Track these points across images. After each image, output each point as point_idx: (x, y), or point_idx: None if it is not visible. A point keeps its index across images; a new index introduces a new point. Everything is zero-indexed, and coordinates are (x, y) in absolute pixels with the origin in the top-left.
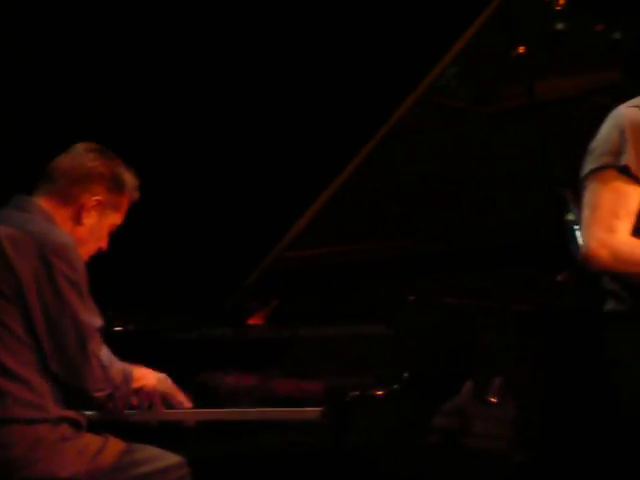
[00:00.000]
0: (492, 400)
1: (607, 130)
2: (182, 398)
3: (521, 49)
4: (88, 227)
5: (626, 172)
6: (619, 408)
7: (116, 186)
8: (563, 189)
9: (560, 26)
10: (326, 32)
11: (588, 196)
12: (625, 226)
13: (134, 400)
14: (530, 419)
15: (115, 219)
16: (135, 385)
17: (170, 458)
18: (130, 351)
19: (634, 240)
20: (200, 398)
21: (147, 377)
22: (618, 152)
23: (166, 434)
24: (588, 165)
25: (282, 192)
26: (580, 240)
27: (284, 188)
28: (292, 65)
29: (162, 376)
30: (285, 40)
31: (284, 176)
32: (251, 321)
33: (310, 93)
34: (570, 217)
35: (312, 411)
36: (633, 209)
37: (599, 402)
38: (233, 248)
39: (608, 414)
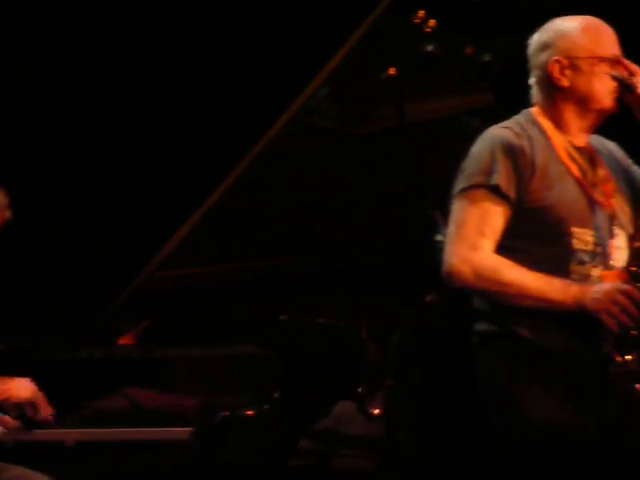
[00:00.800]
0: (373, 413)
1: (478, 150)
2: (46, 404)
3: (392, 71)
4: None
5: (496, 191)
6: (490, 426)
7: None
8: (433, 210)
9: (430, 48)
10: (196, 53)
11: (455, 213)
12: (489, 244)
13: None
14: (400, 439)
15: None
16: (0, 398)
17: (38, 478)
18: None
19: (497, 258)
20: (69, 418)
21: (12, 388)
22: (489, 172)
23: (35, 454)
24: (459, 184)
25: (153, 211)
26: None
27: (155, 208)
28: (156, 85)
29: (25, 382)
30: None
31: (156, 195)
32: (122, 341)
33: (180, 113)
34: (440, 238)
35: (183, 431)
36: (499, 228)
37: (470, 421)
38: (103, 268)
39: (479, 432)
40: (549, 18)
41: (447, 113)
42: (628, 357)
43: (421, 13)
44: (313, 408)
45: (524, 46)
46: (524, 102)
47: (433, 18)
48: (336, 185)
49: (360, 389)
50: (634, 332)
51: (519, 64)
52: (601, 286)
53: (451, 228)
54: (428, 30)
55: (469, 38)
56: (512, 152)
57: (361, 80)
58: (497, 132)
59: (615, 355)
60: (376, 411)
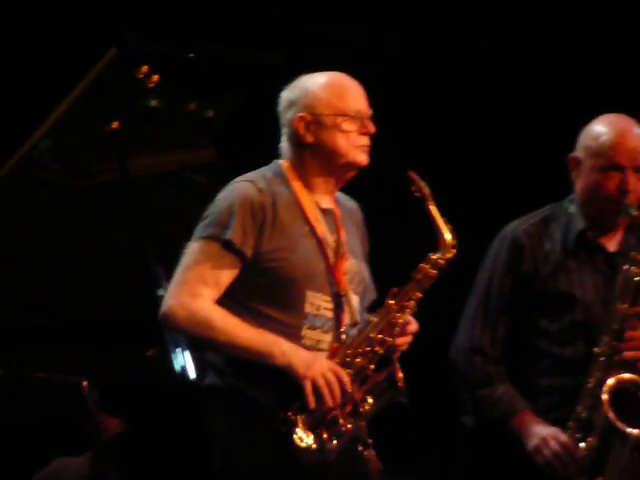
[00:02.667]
0: None
1: (219, 201)
2: None
3: (115, 124)
4: None
5: (228, 246)
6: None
7: None
8: (156, 265)
9: (153, 103)
10: None
11: (184, 258)
12: (210, 294)
13: None
14: None
15: None
16: None
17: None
18: None
19: (214, 307)
20: None
21: None
22: (225, 225)
23: None
24: (197, 230)
25: None
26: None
27: None
28: None
29: None
30: None
31: None
32: None
33: None
34: (162, 293)
35: None
36: (224, 282)
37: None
38: None
39: None
40: (274, 75)
41: (171, 168)
42: (309, 439)
43: (145, 68)
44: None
45: (247, 102)
46: (248, 158)
47: (156, 74)
48: (59, 238)
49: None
50: (330, 415)
51: (242, 120)
52: (321, 355)
53: (177, 271)
54: (151, 85)
55: (192, 94)
56: (251, 208)
57: (84, 133)
58: (239, 186)
59: (294, 431)
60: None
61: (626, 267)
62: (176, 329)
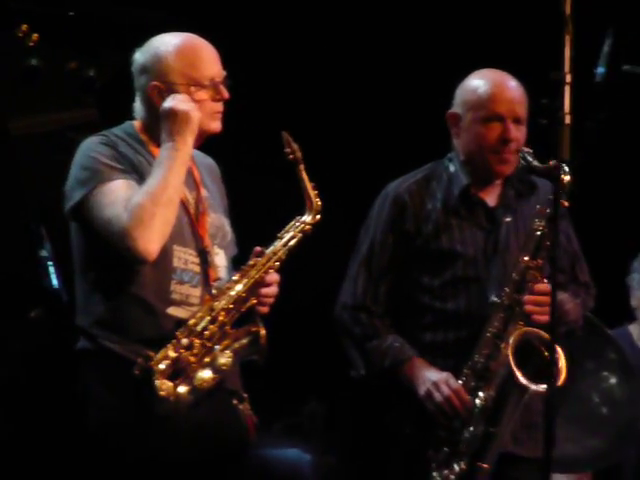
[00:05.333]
0: None
1: (78, 160)
2: None
3: None
4: None
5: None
6: (90, 445)
7: None
8: (38, 225)
9: (33, 62)
10: None
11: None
12: None
13: None
14: None
15: None
16: None
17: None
18: None
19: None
20: None
21: None
22: (100, 171)
23: None
24: (68, 202)
25: None
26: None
27: None
28: None
29: None
30: None
31: None
32: None
33: None
34: (44, 253)
35: None
36: None
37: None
38: None
39: (81, 453)
40: (153, 34)
41: (52, 128)
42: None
43: (24, 27)
44: None
45: (128, 62)
46: (131, 118)
47: (36, 32)
48: None
49: None
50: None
51: (123, 79)
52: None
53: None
54: (31, 44)
55: (73, 53)
56: (113, 155)
57: None
58: (90, 140)
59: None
60: None
61: (508, 220)
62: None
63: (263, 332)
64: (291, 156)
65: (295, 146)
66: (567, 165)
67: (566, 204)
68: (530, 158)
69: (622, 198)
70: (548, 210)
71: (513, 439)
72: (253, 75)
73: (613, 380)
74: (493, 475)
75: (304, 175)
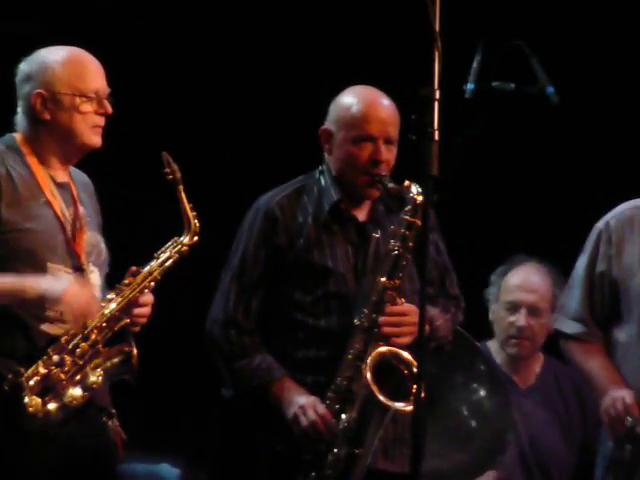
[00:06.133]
0: None
1: None
2: None
3: None
4: None
5: None
6: None
7: None
8: None
9: None
10: None
11: None
12: None
13: None
14: None
15: None
16: None
17: None
18: None
19: None
20: None
21: None
22: None
23: None
24: None
25: None
26: None
27: None
28: None
29: None
30: None
31: None
32: None
33: None
34: None
35: None
36: None
37: None
38: None
39: None
40: (30, 47)
41: None
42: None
43: None
44: None
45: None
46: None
47: None
48: None
49: None
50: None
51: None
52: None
53: None
54: None
55: None
56: None
57: None
58: None
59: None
60: None
61: (377, 236)
62: None
63: (135, 352)
64: (170, 176)
65: (175, 167)
66: (435, 181)
67: (419, 223)
68: (386, 181)
69: (489, 211)
70: (402, 230)
71: (384, 455)
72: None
73: (482, 392)
74: None
75: (183, 196)
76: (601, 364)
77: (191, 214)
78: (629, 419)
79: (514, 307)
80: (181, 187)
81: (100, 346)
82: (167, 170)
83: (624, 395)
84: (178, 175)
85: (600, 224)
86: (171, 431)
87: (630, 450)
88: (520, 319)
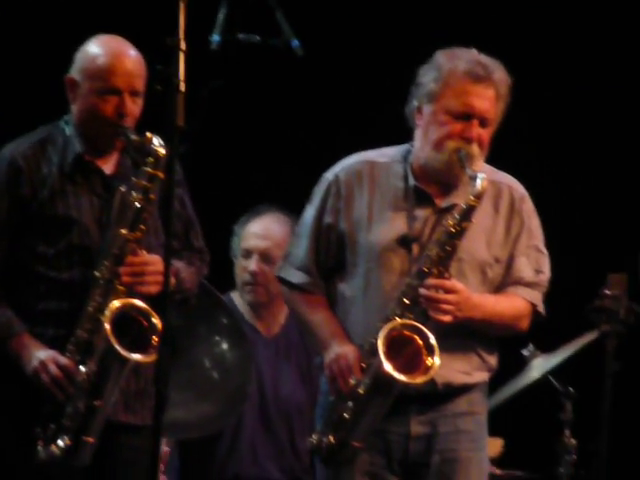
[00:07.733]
0: None
1: None
2: None
3: None
4: None
5: None
6: None
7: None
8: None
9: None
10: None
11: None
12: None
13: None
14: None
15: None
16: None
17: None
18: None
19: None
20: None
21: None
22: None
23: None
24: None
25: None
26: None
27: None
28: None
29: None
30: None
31: None
32: None
33: None
34: None
35: None
36: None
37: None
38: None
39: None
40: None
41: None
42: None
43: None
44: None
45: None
46: None
47: None
48: None
49: None
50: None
51: None
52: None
53: None
54: None
55: None
56: None
57: None
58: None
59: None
60: None
61: (123, 189)
62: None
63: None
64: None
65: None
66: (181, 133)
67: (161, 175)
68: (129, 133)
69: (234, 162)
70: (144, 182)
71: (125, 407)
72: None
73: (224, 345)
74: (106, 445)
75: None
76: (324, 317)
77: None
78: (353, 378)
79: (248, 254)
80: None
81: None
82: None
83: (347, 352)
84: None
85: (329, 175)
86: None
87: (351, 407)
88: (251, 264)
